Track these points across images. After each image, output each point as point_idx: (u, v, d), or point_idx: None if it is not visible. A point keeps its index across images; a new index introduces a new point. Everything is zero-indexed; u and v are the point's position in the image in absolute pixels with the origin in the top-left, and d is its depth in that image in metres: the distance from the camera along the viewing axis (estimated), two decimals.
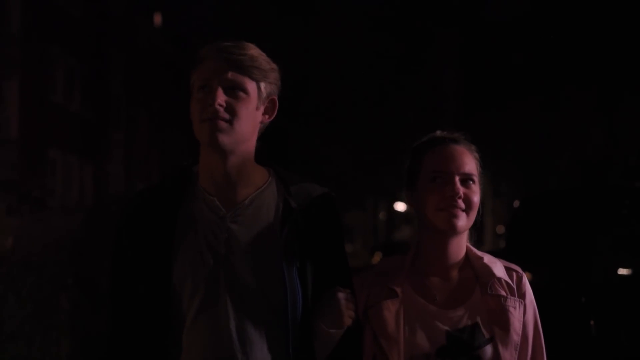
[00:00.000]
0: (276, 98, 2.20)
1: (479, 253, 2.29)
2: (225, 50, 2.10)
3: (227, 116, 2.08)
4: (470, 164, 2.23)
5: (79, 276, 6.64)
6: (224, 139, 2.08)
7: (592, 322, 5.89)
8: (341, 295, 2.10)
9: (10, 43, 20.39)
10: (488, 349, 2.15)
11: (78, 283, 6.61)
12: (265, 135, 2.21)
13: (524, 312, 2.23)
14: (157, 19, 32.60)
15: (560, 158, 22.08)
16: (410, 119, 22.38)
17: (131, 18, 28.54)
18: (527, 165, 22.86)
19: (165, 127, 30.41)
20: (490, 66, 22.23)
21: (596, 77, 20.20)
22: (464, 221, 2.19)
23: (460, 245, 2.25)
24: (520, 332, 2.20)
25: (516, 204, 8.38)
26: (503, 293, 2.22)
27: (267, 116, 2.18)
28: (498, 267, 2.26)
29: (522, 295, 2.24)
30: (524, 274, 2.29)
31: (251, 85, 2.12)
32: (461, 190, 2.19)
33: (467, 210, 2.20)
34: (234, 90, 2.10)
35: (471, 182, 2.21)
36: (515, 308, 2.21)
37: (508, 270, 2.28)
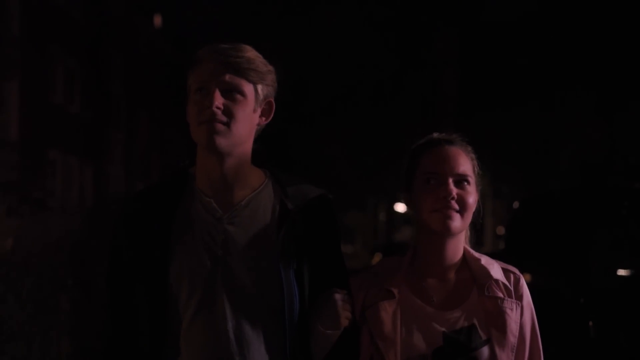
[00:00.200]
0: (273, 100, 2.20)
1: (477, 254, 2.29)
2: (222, 52, 2.10)
3: (224, 119, 2.09)
4: (464, 165, 2.23)
5: (79, 277, 6.64)
6: (222, 142, 2.09)
7: (591, 323, 5.89)
8: (338, 296, 2.11)
9: (10, 44, 20.39)
10: (484, 351, 2.15)
11: (78, 284, 6.62)
12: (266, 137, 2.21)
13: (521, 314, 2.23)
14: (157, 20, 32.61)
15: (560, 159, 22.07)
16: (410, 120, 22.39)
17: (131, 19, 28.55)
18: (527, 166, 22.85)
19: (165, 128, 30.42)
20: (490, 67, 22.22)
21: (596, 79, 20.20)
22: (458, 222, 2.20)
23: (457, 246, 2.26)
24: (517, 334, 2.20)
25: (515, 205, 8.38)
26: (500, 295, 2.22)
27: (264, 118, 2.19)
28: (495, 269, 2.27)
29: (519, 297, 2.24)
30: (521, 275, 2.29)
31: (248, 88, 2.12)
32: (454, 191, 2.19)
33: (462, 211, 2.20)
34: (232, 93, 2.10)
35: (466, 183, 2.21)
36: (512, 310, 2.21)
37: (505, 271, 2.28)
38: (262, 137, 2.23)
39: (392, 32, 22.54)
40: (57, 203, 20.87)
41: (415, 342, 2.17)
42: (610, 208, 6.89)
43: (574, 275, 6.32)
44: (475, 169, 2.29)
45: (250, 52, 2.14)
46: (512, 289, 2.24)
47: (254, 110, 2.15)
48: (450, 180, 2.20)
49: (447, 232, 2.20)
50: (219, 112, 2.08)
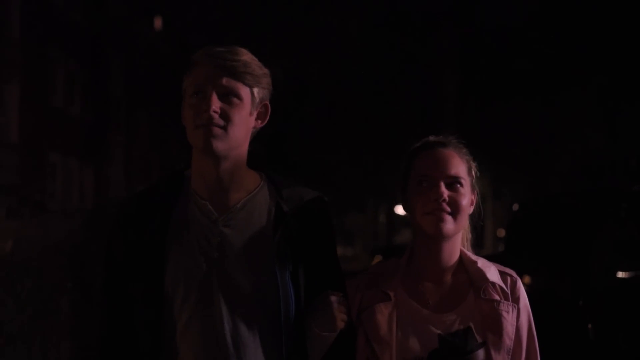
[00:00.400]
0: (269, 103, 2.21)
1: (473, 257, 2.29)
2: (218, 56, 2.11)
3: (221, 122, 2.09)
4: (457, 166, 2.22)
5: (79, 279, 6.64)
6: (219, 145, 2.09)
7: (590, 325, 5.89)
8: (334, 298, 2.11)
9: (11, 47, 20.40)
10: (480, 353, 2.15)
11: (78, 286, 6.61)
12: (266, 139, 2.22)
13: (518, 316, 2.23)
14: (158, 22, 32.61)
15: (561, 161, 22.08)
16: (410, 122, 22.39)
17: (131, 21, 28.55)
18: (527, 168, 22.85)
19: (165, 130, 30.41)
20: (490, 68, 22.23)
21: (596, 80, 20.21)
22: (451, 225, 2.19)
23: (453, 249, 2.26)
24: (513, 337, 2.20)
25: (515, 207, 8.39)
26: (496, 297, 2.22)
27: (259, 121, 2.20)
28: (492, 272, 2.26)
29: (515, 300, 2.24)
30: (518, 278, 2.29)
31: (245, 91, 2.13)
32: (445, 193, 2.19)
33: (454, 213, 2.20)
34: (228, 97, 2.11)
35: (458, 185, 2.21)
36: (508, 312, 2.21)
37: (502, 274, 2.28)
38: (262, 140, 2.23)
39: (392, 34, 22.55)
40: (57, 205, 20.87)
41: (410, 344, 2.17)
42: (610, 210, 6.88)
43: (573, 277, 6.32)
44: (473, 170, 2.29)
45: (246, 55, 2.14)
46: (508, 291, 2.24)
47: (250, 114, 2.16)
48: (442, 183, 2.20)
49: (439, 235, 2.20)
50: (216, 115, 2.08)
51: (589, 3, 19.76)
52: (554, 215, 7.48)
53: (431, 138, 2.30)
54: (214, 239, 2.12)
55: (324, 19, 22.72)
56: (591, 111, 20.76)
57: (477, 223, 2.33)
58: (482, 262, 2.28)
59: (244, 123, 2.13)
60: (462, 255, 2.29)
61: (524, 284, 2.32)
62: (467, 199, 2.23)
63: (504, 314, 2.21)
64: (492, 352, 2.16)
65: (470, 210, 2.29)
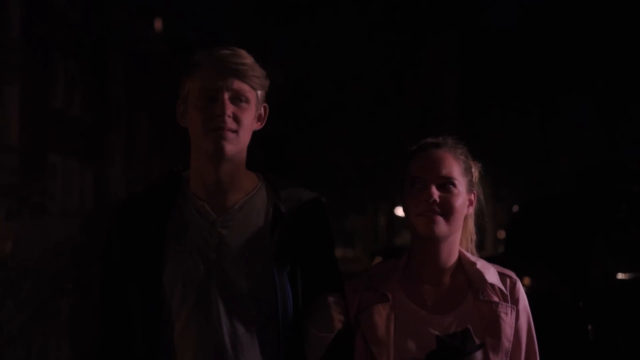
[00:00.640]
0: (267, 105, 2.22)
1: (472, 258, 2.28)
2: (224, 58, 2.11)
3: (234, 126, 2.10)
4: (449, 167, 2.21)
5: (79, 281, 6.64)
6: (230, 149, 2.10)
7: (590, 327, 5.89)
8: (331, 299, 2.11)
9: (11, 48, 20.40)
10: (478, 355, 2.14)
11: (77, 288, 6.61)
12: (267, 141, 2.22)
13: (517, 318, 2.22)
14: (158, 23, 32.63)
15: (560, 163, 22.08)
16: (410, 125, 22.39)
17: (131, 23, 28.56)
18: (527, 170, 22.85)
19: (165, 131, 30.42)
20: (490, 71, 22.25)
21: (596, 82, 20.22)
22: (443, 226, 2.18)
23: (451, 250, 2.25)
24: (512, 339, 2.20)
25: (515, 208, 8.39)
26: (495, 299, 2.21)
27: (259, 123, 2.21)
28: (491, 273, 2.26)
29: (515, 301, 2.23)
30: (518, 279, 2.28)
31: (252, 94, 2.14)
32: (435, 194, 2.18)
33: (446, 214, 2.18)
34: (238, 100, 2.11)
35: (451, 186, 2.20)
36: (506, 314, 2.20)
37: (502, 275, 2.27)
38: (263, 141, 2.23)
39: (393, 37, 22.56)
40: (57, 207, 20.86)
41: (408, 346, 2.16)
42: (610, 212, 6.88)
43: (573, 278, 6.32)
44: (473, 170, 2.28)
45: (250, 58, 2.15)
46: (507, 293, 2.23)
47: (255, 117, 2.17)
48: (433, 184, 2.19)
49: (432, 236, 2.19)
50: (230, 120, 2.09)
51: (589, 7, 19.77)
52: (553, 217, 7.49)
53: (429, 140, 2.29)
54: (212, 240, 2.13)
55: (325, 21, 22.73)
56: (591, 113, 20.77)
57: (480, 224, 2.32)
58: (481, 264, 2.27)
59: (251, 126, 2.15)
60: (461, 257, 2.28)
61: (523, 285, 2.31)
62: (461, 199, 2.21)
63: (503, 315, 2.20)
64: (490, 354, 2.16)
65: (469, 211, 2.28)
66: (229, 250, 2.12)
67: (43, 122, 21.83)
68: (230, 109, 2.09)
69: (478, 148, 2.37)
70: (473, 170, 2.30)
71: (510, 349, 2.19)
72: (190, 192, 2.18)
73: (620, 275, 6.17)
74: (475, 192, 2.29)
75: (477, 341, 2.16)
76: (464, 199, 2.23)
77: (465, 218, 2.31)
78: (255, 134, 2.20)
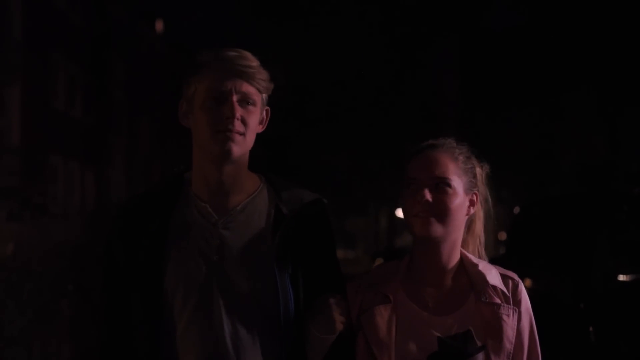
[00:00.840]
0: (269, 107, 2.22)
1: (474, 260, 2.27)
2: (232, 60, 2.11)
3: (242, 129, 2.11)
4: (444, 167, 2.20)
5: (80, 282, 6.65)
6: (236, 151, 2.10)
7: (591, 328, 5.89)
8: (333, 300, 2.10)
9: (12, 49, 20.41)
10: (480, 357, 2.14)
11: (78, 289, 6.62)
12: (268, 143, 2.22)
13: (519, 320, 2.21)
14: (159, 25, 32.64)
15: (561, 164, 22.08)
16: (411, 126, 22.40)
17: (133, 24, 28.58)
18: (528, 171, 22.84)
19: (166, 133, 30.43)
20: (491, 72, 22.25)
21: (597, 83, 20.21)
22: (437, 227, 2.17)
23: (452, 251, 2.24)
24: (514, 341, 2.19)
25: (516, 210, 8.39)
26: (497, 301, 2.21)
27: (261, 126, 2.21)
28: (493, 275, 2.25)
29: (517, 303, 2.22)
30: (520, 281, 2.27)
31: (258, 97, 2.14)
32: (428, 195, 2.17)
33: (440, 215, 2.17)
34: (245, 102, 2.12)
35: (446, 187, 2.18)
36: (508, 316, 2.20)
37: (504, 277, 2.26)
38: (264, 143, 2.24)
39: (394, 38, 22.57)
40: (58, 208, 20.86)
41: (410, 347, 2.15)
42: (611, 213, 6.89)
43: (575, 279, 6.32)
44: (473, 171, 2.26)
45: (256, 61, 2.15)
46: (509, 295, 2.23)
47: (259, 119, 2.17)
48: (427, 184, 2.18)
49: (427, 237, 2.18)
50: (238, 122, 2.09)
51: (589, 7, 19.76)
52: (555, 218, 7.49)
53: (429, 141, 2.28)
54: (214, 242, 2.12)
55: (325, 22, 22.74)
56: (592, 114, 20.76)
57: (486, 224, 2.31)
58: (483, 265, 2.26)
59: (256, 128, 2.16)
60: (463, 258, 2.27)
61: (525, 287, 2.31)
62: (458, 200, 2.20)
63: (505, 317, 2.19)
64: (492, 356, 2.15)
65: (470, 211, 2.26)
66: (231, 251, 2.12)
67: (44, 123, 21.84)
68: (239, 111, 2.09)
69: (479, 149, 2.36)
70: (476, 170, 2.28)
71: (512, 351, 2.18)
72: (192, 194, 2.18)
73: (621, 277, 6.17)
74: (477, 192, 2.27)
75: (479, 343, 2.15)
76: (461, 200, 2.21)
77: (472, 220, 2.31)
78: (257, 136, 2.20)
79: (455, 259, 2.25)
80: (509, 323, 2.19)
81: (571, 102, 20.69)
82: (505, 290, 2.23)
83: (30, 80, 21.18)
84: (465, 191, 2.23)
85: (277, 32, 23.06)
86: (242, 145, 2.11)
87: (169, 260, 2.12)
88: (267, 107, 2.21)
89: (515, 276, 2.28)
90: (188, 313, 2.09)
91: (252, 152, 2.20)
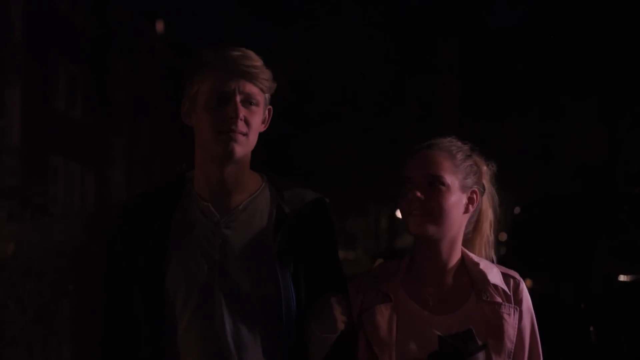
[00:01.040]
0: (271, 107, 2.22)
1: (476, 259, 2.27)
2: (236, 60, 2.10)
3: (245, 130, 2.10)
4: (437, 166, 2.20)
5: (80, 282, 6.65)
6: (239, 151, 2.10)
7: (591, 328, 5.90)
8: (334, 299, 2.11)
9: (13, 50, 20.41)
10: (480, 356, 2.14)
11: (79, 289, 6.62)
12: (268, 143, 2.22)
13: (520, 319, 2.21)
14: (159, 26, 32.65)
15: (562, 165, 22.08)
16: (412, 127, 22.40)
17: (133, 25, 28.58)
18: (529, 172, 22.84)
19: (167, 134, 30.43)
20: (491, 74, 22.25)
21: (597, 84, 20.21)
22: (430, 225, 2.18)
23: (451, 250, 2.24)
24: (515, 340, 2.19)
25: (517, 210, 8.40)
26: (498, 300, 2.20)
27: (263, 125, 2.20)
28: (494, 274, 2.25)
29: (518, 302, 2.22)
30: (521, 280, 2.27)
31: (261, 97, 2.14)
32: (418, 193, 2.17)
33: (434, 213, 2.17)
34: (248, 103, 2.12)
35: (439, 185, 2.18)
36: (509, 315, 2.19)
37: (505, 276, 2.26)
38: (265, 143, 2.24)
39: (395, 39, 22.58)
40: (59, 208, 20.84)
41: (410, 346, 2.16)
42: (611, 213, 6.89)
43: (575, 280, 6.33)
44: (472, 169, 2.26)
45: (259, 61, 2.15)
46: (511, 294, 2.22)
47: (262, 119, 2.18)
48: (420, 183, 2.19)
49: (421, 235, 2.19)
50: (242, 123, 2.09)
51: (589, 10, 19.76)
52: (555, 219, 7.49)
53: (430, 141, 2.28)
54: (216, 241, 2.13)
55: (327, 23, 22.75)
56: (592, 115, 20.76)
57: (495, 225, 2.31)
58: (484, 264, 2.27)
59: (259, 128, 2.16)
60: (464, 257, 2.27)
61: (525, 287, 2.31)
62: (452, 198, 2.19)
63: (506, 316, 2.19)
64: (493, 355, 2.15)
65: (468, 209, 2.25)
66: (233, 250, 2.12)
67: (45, 124, 21.84)
68: (243, 112, 2.09)
69: (479, 150, 2.35)
70: (476, 169, 2.28)
71: (512, 350, 2.18)
72: (194, 193, 2.18)
73: (622, 277, 6.18)
74: (476, 190, 2.27)
75: (480, 342, 2.15)
76: (456, 198, 2.21)
77: (479, 220, 2.31)
78: (258, 135, 2.21)
79: (455, 257, 2.25)
80: (510, 322, 2.19)
81: (572, 102, 20.69)
82: (506, 289, 2.23)
83: (30, 81, 21.18)
84: (461, 189, 2.22)
85: (278, 33, 23.07)
86: (244, 146, 2.11)
87: (170, 259, 2.11)
88: (270, 107, 2.21)
89: (517, 275, 2.28)
90: (189, 312, 2.09)
91: (253, 151, 2.20)
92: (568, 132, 21.09)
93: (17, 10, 20.67)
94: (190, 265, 2.11)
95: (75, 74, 24.22)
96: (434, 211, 2.18)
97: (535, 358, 2.25)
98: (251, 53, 2.14)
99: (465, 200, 2.24)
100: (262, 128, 2.20)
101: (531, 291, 2.30)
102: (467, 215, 2.27)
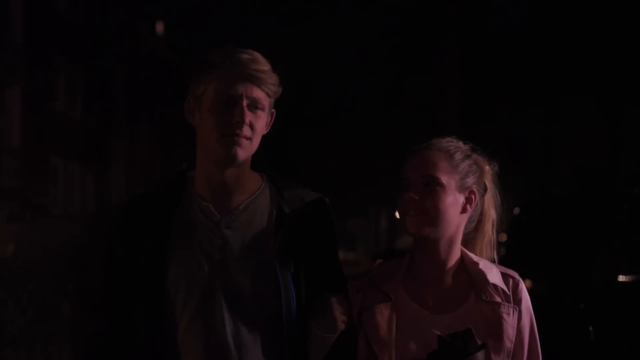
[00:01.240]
0: (274, 110, 2.22)
1: (475, 258, 2.27)
2: (246, 64, 2.10)
3: (249, 134, 2.11)
4: (433, 166, 2.19)
5: (80, 283, 6.65)
6: (242, 155, 2.11)
7: (591, 329, 5.90)
8: (334, 299, 2.11)
9: (13, 51, 20.41)
10: (480, 356, 2.13)
11: (79, 289, 6.63)
12: (268, 143, 2.22)
13: (519, 319, 2.21)
14: (159, 27, 32.65)
15: (562, 165, 22.08)
16: (412, 127, 22.40)
17: (133, 26, 28.57)
18: (529, 173, 22.85)
19: (167, 134, 30.43)
20: (492, 74, 22.25)
21: (597, 85, 20.21)
22: (426, 226, 2.18)
23: (450, 250, 2.24)
24: (514, 339, 2.19)
25: (516, 211, 8.41)
26: (497, 299, 2.20)
27: (265, 128, 2.21)
28: (493, 273, 2.25)
29: (517, 302, 2.22)
30: (520, 280, 2.27)
31: (266, 102, 2.14)
32: (412, 194, 2.18)
33: (430, 213, 2.17)
34: (254, 107, 2.12)
35: (435, 185, 2.18)
36: (509, 315, 2.19)
37: (504, 276, 2.26)
38: (265, 144, 2.24)
39: (394, 40, 22.58)
40: (59, 209, 20.88)
41: (410, 345, 2.16)
42: (611, 214, 6.89)
43: (575, 280, 6.33)
44: (470, 168, 2.25)
45: (268, 65, 2.14)
46: (510, 293, 2.22)
47: (265, 123, 2.18)
48: (415, 183, 2.19)
49: (418, 235, 2.19)
50: (247, 127, 2.09)
51: (590, 8, 19.77)
52: (555, 219, 7.50)
53: (429, 142, 2.28)
54: (217, 241, 2.13)
55: (326, 24, 22.75)
56: (592, 115, 20.76)
57: (499, 226, 2.31)
58: (483, 264, 2.26)
59: (262, 132, 2.16)
60: (464, 256, 2.27)
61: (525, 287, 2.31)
62: (449, 198, 2.19)
63: (505, 316, 2.19)
64: (492, 355, 2.15)
65: (467, 209, 2.25)
66: (233, 251, 2.12)
67: (45, 124, 21.84)
68: (249, 117, 2.09)
69: (481, 150, 2.35)
70: (476, 168, 2.27)
71: (512, 350, 2.18)
72: (195, 193, 2.18)
73: (621, 277, 6.19)
74: (475, 190, 2.26)
75: (479, 342, 2.14)
76: (453, 198, 2.20)
77: (480, 220, 2.30)
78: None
79: (454, 257, 2.25)
80: (509, 322, 2.19)
81: (572, 103, 20.69)
82: (505, 288, 2.23)
83: (30, 82, 21.17)
84: (458, 189, 2.22)
85: (278, 34, 23.07)
86: (248, 149, 2.11)
87: (171, 259, 2.12)
88: (273, 110, 2.21)
89: (516, 275, 2.28)
90: (190, 312, 2.09)
91: (254, 152, 2.20)
92: (568, 133, 21.09)
93: (17, 10, 20.68)
94: (191, 266, 2.11)
95: (75, 75, 24.22)
96: (430, 211, 2.17)
97: (535, 358, 2.25)
98: (260, 57, 2.14)
99: (462, 200, 2.23)
100: (265, 130, 2.20)
101: (530, 291, 2.30)
102: (466, 215, 2.26)
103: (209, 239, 2.13)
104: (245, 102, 2.09)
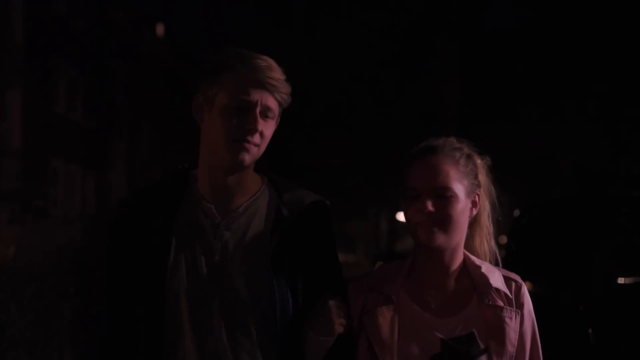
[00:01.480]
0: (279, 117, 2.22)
1: (477, 262, 2.27)
2: (262, 71, 2.09)
3: (258, 141, 2.10)
4: (445, 175, 2.17)
5: (81, 285, 6.65)
6: (248, 161, 2.11)
7: (590, 331, 5.90)
8: (332, 302, 2.10)
9: (13, 53, 20.43)
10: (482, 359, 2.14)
11: (79, 292, 6.62)
12: (269, 145, 2.21)
13: (521, 323, 2.21)
14: (160, 29, 32.66)
15: (561, 167, 22.08)
16: (412, 129, 22.40)
17: (134, 28, 28.59)
18: (528, 175, 22.84)
19: (167, 137, 30.44)
20: (491, 76, 22.26)
21: (598, 86, 20.21)
22: (441, 236, 2.16)
23: (454, 255, 2.23)
24: (516, 343, 2.18)
25: (516, 213, 8.40)
26: (500, 303, 2.20)
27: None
28: (496, 277, 2.24)
29: (519, 306, 2.22)
30: (523, 283, 2.27)
31: (278, 110, 2.15)
32: (430, 205, 2.14)
33: (443, 224, 2.15)
34: (265, 115, 2.11)
35: (448, 195, 2.16)
36: (511, 319, 2.19)
37: (507, 279, 2.26)
38: (266, 147, 2.23)
39: (394, 42, 22.59)
40: (59, 212, 20.88)
41: (412, 348, 2.15)
42: (611, 216, 6.89)
43: (574, 282, 6.33)
44: (474, 171, 2.24)
45: (282, 74, 2.14)
46: (512, 297, 2.22)
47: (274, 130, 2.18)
48: (428, 194, 2.16)
49: (431, 246, 2.17)
50: (257, 134, 2.09)
51: (589, 11, 19.77)
52: (555, 221, 7.49)
53: (429, 143, 2.25)
54: (217, 243, 2.13)
55: (327, 26, 22.76)
56: (592, 118, 20.76)
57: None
58: (486, 267, 2.26)
59: (269, 138, 2.16)
60: (466, 260, 2.27)
61: None
62: (460, 206, 2.18)
63: (507, 320, 2.19)
64: (494, 359, 2.15)
65: (472, 213, 2.25)
66: (232, 252, 2.12)
67: (45, 127, 21.85)
68: (261, 124, 2.09)
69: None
70: (477, 168, 2.26)
71: (514, 354, 2.18)
72: (199, 193, 2.18)
73: (621, 280, 6.18)
74: (478, 193, 2.25)
75: (482, 345, 2.14)
76: (463, 205, 2.19)
77: (476, 218, 2.29)
78: None
79: (458, 261, 2.25)
80: (512, 326, 2.18)
81: (571, 105, 20.68)
82: (508, 292, 2.22)
83: (31, 84, 21.19)
84: (467, 195, 2.21)
85: (279, 36, 23.07)
86: (254, 156, 2.12)
87: (172, 259, 2.12)
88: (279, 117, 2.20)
89: (518, 278, 2.27)
90: (187, 313, 2.09)
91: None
92: (568, 135, 21.08)
93: (17, 13, 20.69)
94: (191, 266, 2.11)
95: (75, 77, 24.23)
96: (444, 221, 2.16)
97: None
98: (275, 65, 2.13)
99: (469, 205, 2.23)
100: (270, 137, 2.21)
101: (530, 294, 2.30)
102: (470, 218, 2.26)
103: (209, 240, 2.13)
104: (258, 110, 2.08)
